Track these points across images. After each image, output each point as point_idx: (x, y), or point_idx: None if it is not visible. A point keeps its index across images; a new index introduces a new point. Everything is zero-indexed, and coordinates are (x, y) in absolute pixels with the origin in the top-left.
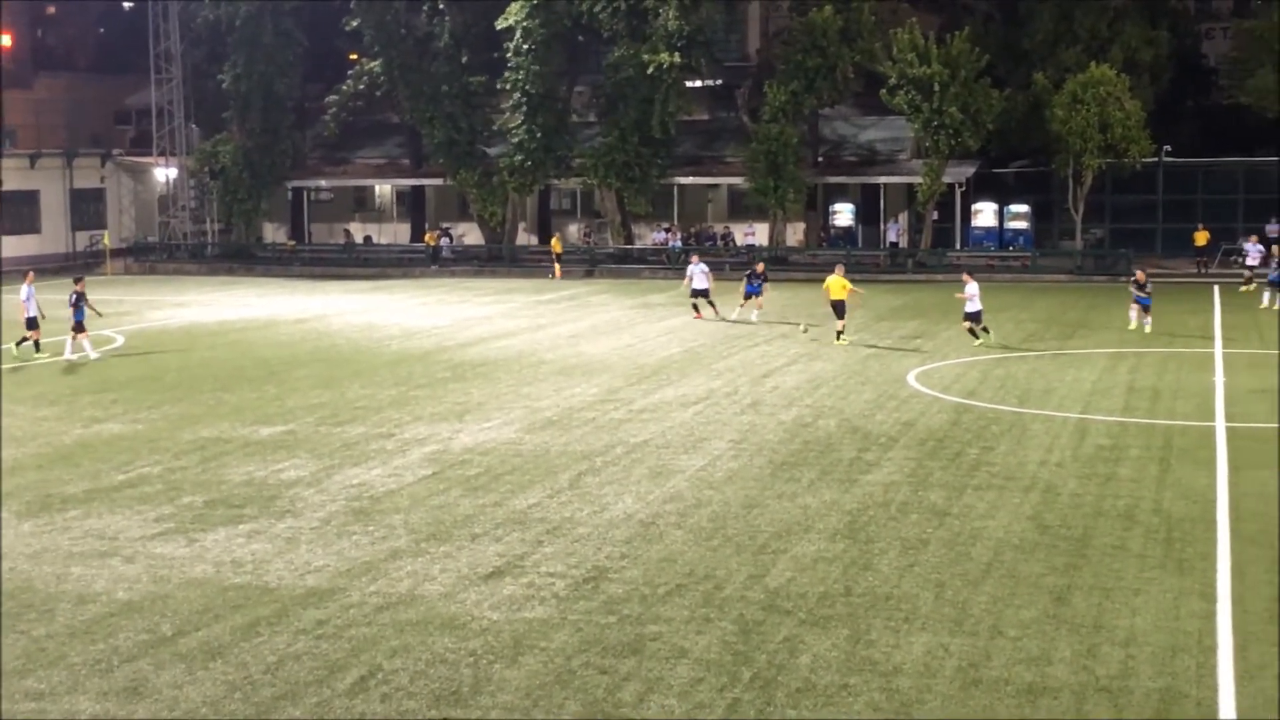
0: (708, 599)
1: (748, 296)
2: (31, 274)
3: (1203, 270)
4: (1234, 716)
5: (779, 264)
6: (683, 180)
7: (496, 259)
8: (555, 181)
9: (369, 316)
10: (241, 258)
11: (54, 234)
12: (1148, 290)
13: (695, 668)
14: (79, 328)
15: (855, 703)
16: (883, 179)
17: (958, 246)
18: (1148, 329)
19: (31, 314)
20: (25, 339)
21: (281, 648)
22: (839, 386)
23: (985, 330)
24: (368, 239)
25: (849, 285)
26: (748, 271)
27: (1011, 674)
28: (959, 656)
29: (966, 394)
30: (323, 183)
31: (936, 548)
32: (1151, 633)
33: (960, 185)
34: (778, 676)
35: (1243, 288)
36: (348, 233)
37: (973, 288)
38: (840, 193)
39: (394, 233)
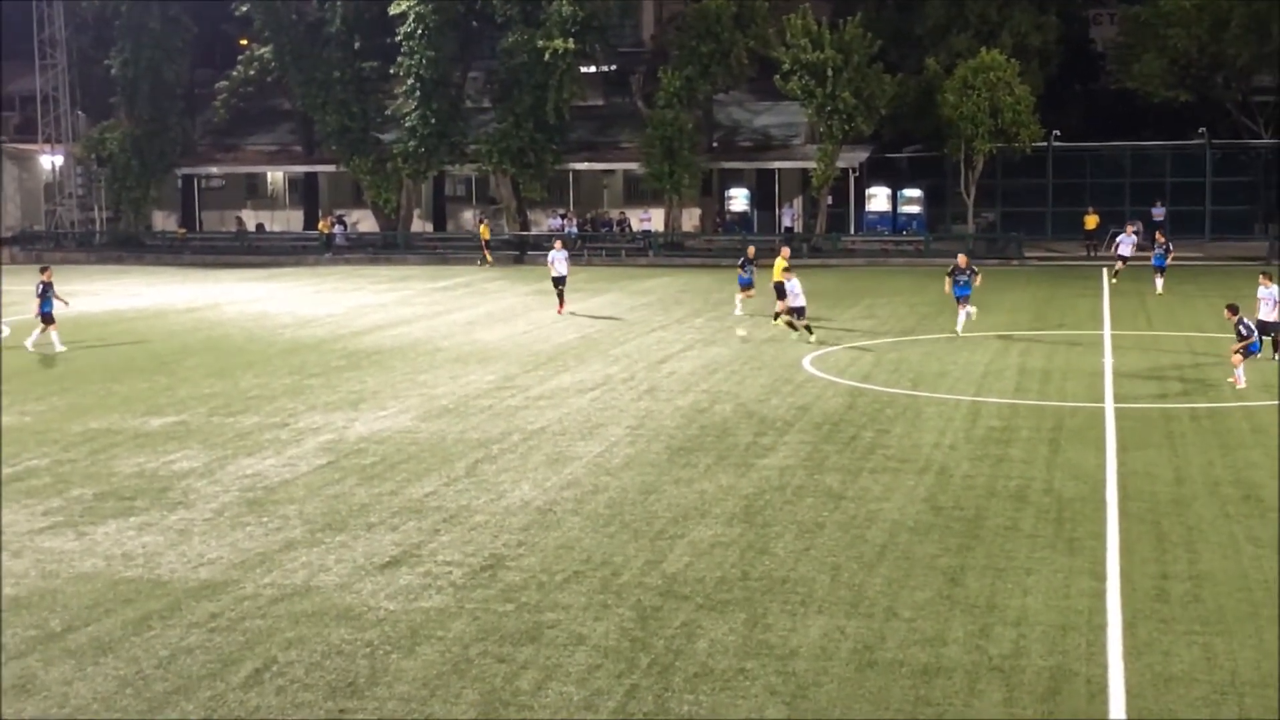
0: (605, 585)
1: (744, 288)
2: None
3: (1092, 254)
4: (1122, 693)
5: (675, 250)
6: (578, 166)
7: (391, 246)
8: (450, 168)
9: (262, 305)
10: (131, 246)
11: None
12: (967, 277)
13: (593, 654)
14: (47, 318)
15: (752, 686)
16: (777, 164)
17: (852, 231)
18: (965, 319)
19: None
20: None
21: (174, 641)
22: (735, 372)
23: (809, 329)
24: (260, 227)
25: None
26: (741, 260)
27: (907, 655)
28: (855, 639)
29: (861, 377)
30: (213, 170)
31: (832, 531)
32: (1043, 612)
33: (854, 170)
34: (675, 662)
35: (1113, 278)
36: (239, 220)
37: (795, 285)
38: (735, 178)
39: (287, 220)
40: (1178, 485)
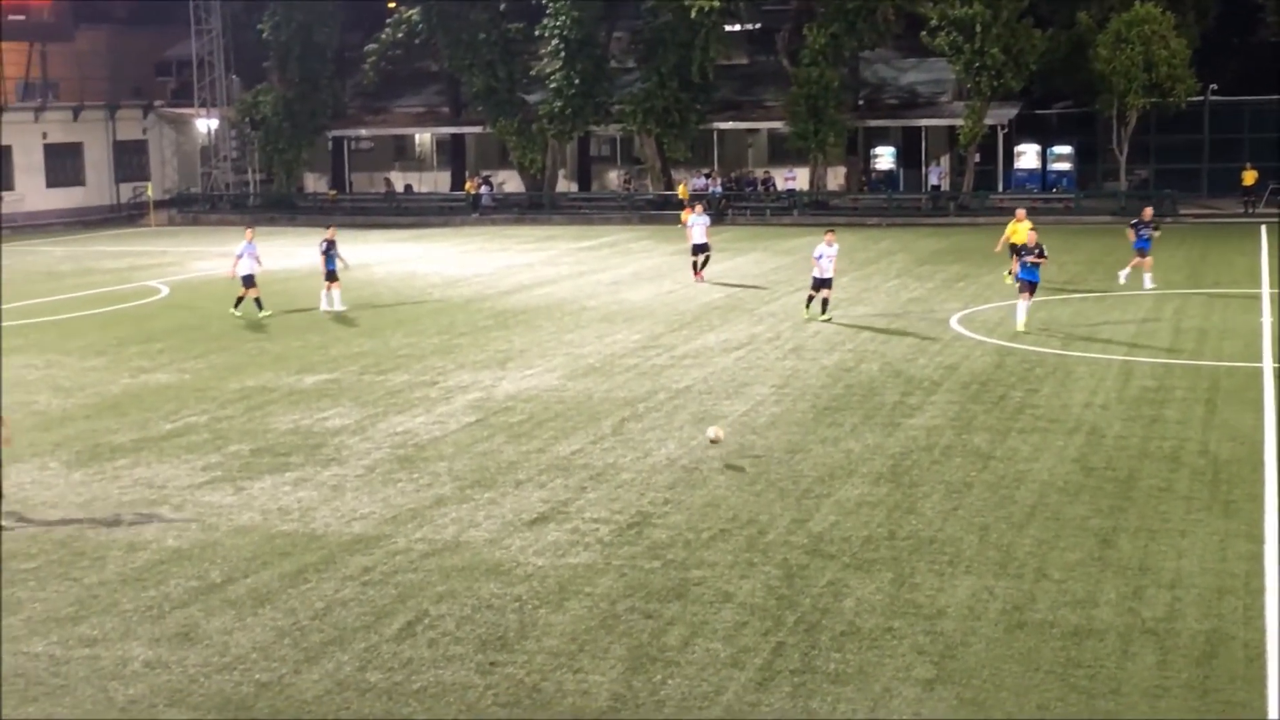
0: (751, 543)
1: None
2: (251, 231)
3: (1250, 210)
4: None
5: (819, 209)
6: (722, 125)
7: (537, 206)
8: (594, 128)
9: (410, 265)
10: (283, 208)
11: (98, 186)
12: (1150, 231)
13: (740, 612)
14: (330, 277)
15: (900, 645)
16: (924, 122)
17: (1000, 189)
18: (1127, 278)
19: (247, 271)
20: (242, 298)
21: (329, 594)
22: (881, 331)
23: (825, 306)
24: (408, 188)
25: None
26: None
27: (1057, 617)
28: (1004, 599)
29: (1010, 337)
30: (363, 132)
31: (981, 491)
32: (1198, 575)
33: (1002, 127)
34: (822, 620)
35: None
36: (388, 181)
37: (825, 249)
38: (881, 136)
39: (434, 181)
40: None
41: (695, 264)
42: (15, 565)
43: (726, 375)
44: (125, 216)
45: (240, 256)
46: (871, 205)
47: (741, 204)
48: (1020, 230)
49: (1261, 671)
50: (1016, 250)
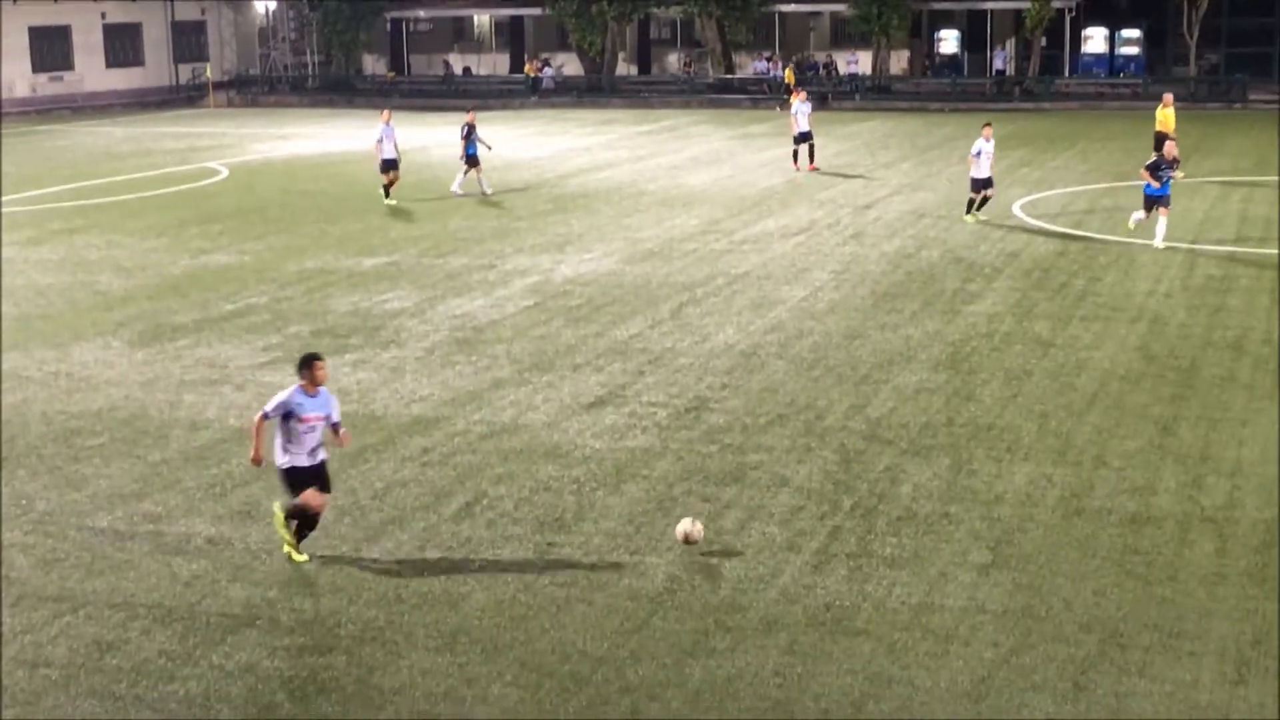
0: (809, 429)
1: (1156, 201)
2: (389, 113)
3: None
4: None
5: (882, 93)
6: (784, 8)
7: (596, 90)
8: (655, 10)
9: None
10: (342, 90)
11: (156, 67)
12: (1169, 173)
13: (796, 496)
14: (471, 161)
15: (956, 531)
16: (990, 5)
17: (1066, 74)
18: (1139, 224)
19: (388, 155)
20: (389, 185)
21: (389, 474)
22: (942, 217)
23: (982, 205)
24: (467, 70)
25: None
26: (1152, 161)
27: (1115, 504)
28: (1061, 486)
29: (1073, 224)
30: (421, 13)
31: (1040, 378)
32: (1259, 464)
33: (1070, 10)
34: (879, 505)
35: None
36: (447, 64)
37: (984, 145)
38: (946, 19)
39: (493, 64)
40: None
41: (796, 153)
42: (80, 443)
43: (785, 261)
44: (184, 98)
45: (380, 141)
46: (935, 90)
47: (804, 88)
48: (1169, 117)
49: None
50: (1159, 143)
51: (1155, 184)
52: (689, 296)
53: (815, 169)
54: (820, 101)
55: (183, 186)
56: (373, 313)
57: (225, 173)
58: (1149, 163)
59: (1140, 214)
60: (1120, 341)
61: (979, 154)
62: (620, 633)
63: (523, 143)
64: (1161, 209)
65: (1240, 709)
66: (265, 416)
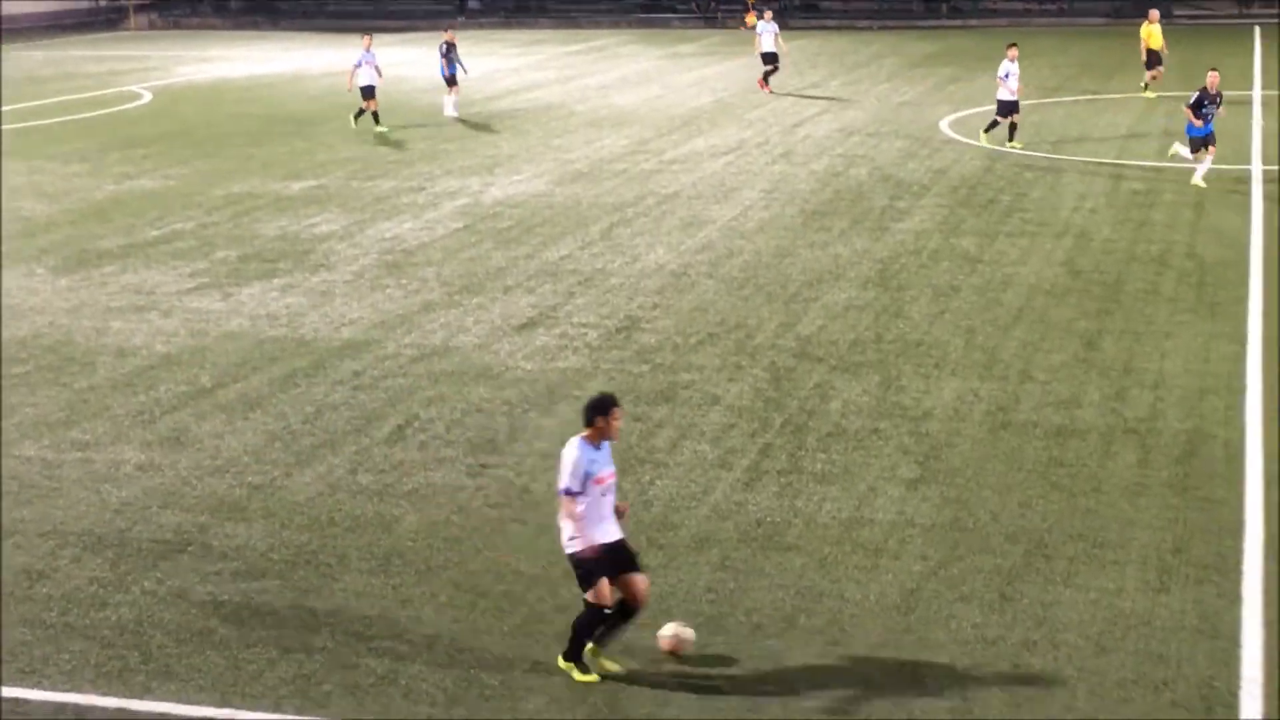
0: (739, 347)
1: (1202, 141)
2: (369, 38)
3: (1243, 10)
4: (1260, 455)
5: (810, 12)
6: None
7: (524, 10)
8: None
9: (397, 70)
10: (266, 12)
11: None
12: (1217, 109)
13: (727, 414)
14: (451, 81)
15: (885, 446)
16: None
17: None
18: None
19: (366, 82)
20: (363, 110)
21: (319, 398)
22: (871, 135)
23: (1013, 131)
24: None
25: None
26: (1195, 98)
27: (1040, 417)
28: (988, 401)
29: (1000, 141)
30: None
31: (968, 294)
32: (1181, 376)
33: None
34: (809, 422)
35: None
36: None
37: (1010, 66)
38: None
39: None
40: None
41: (766, 74)
42: (5, 371)
43: (715, 180)
44: (104, 21)
45: (358, 66)
46: (862, 8)
47: (731, 7)
48: (1155, 34)
49: (1239, 469)
50: (1150, 61)
51: (1198, 123)
52: (619, 217)
53: (767, 89)
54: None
55: (105, 111)
56: (301, 237)
57: (148, 97)
58: (1191, 100)
59: (1185, 151)
60: (1046, 257)
61: (1006, 76)
62: (554, 552)
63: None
64: (1209, 148)
65: (1162, 615)
66: (571, 493)
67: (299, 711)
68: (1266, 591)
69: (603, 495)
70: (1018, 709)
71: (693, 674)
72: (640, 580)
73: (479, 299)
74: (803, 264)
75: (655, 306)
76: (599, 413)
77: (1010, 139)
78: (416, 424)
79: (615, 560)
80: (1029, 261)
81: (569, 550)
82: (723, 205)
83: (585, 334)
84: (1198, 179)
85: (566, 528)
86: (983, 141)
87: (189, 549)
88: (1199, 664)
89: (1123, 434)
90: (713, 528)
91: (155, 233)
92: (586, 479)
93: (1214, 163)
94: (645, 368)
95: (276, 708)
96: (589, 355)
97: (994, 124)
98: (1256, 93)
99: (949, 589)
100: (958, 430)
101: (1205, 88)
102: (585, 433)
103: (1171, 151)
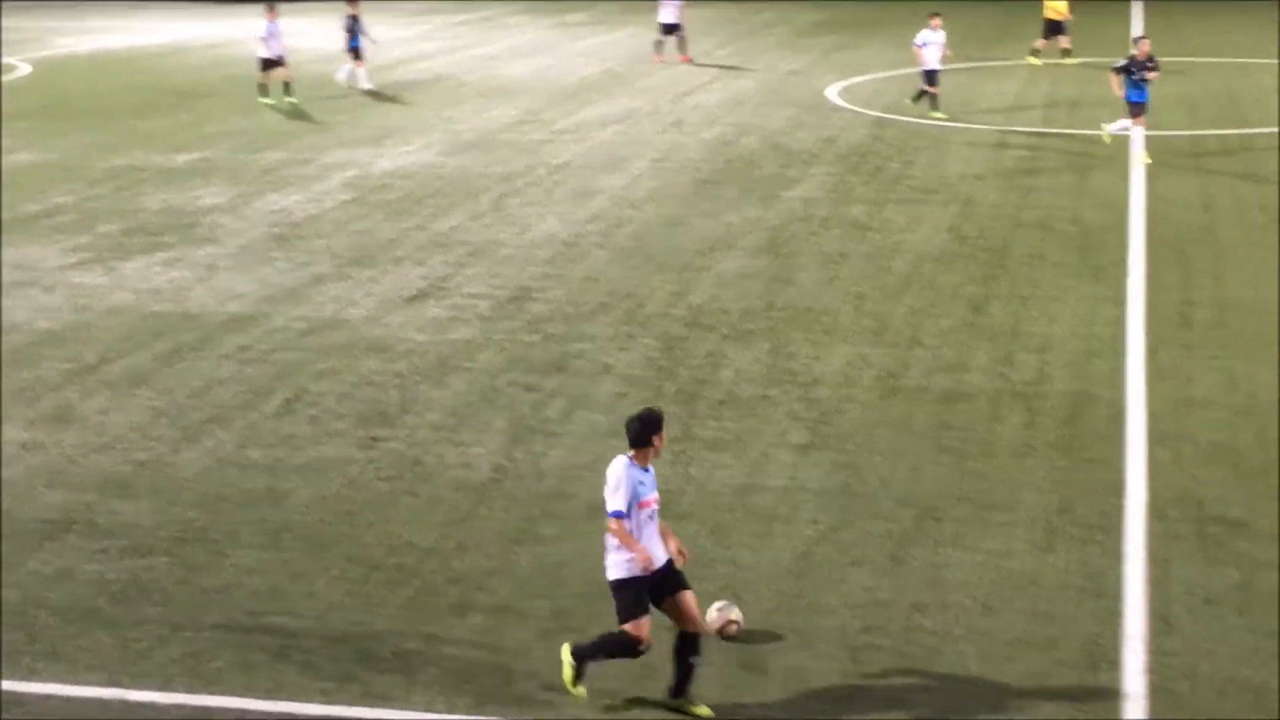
0: (631, 316)
1: (1136, 109)
2: (275, 9)
3: None
4: (1143, 416)
5: None
6: None
7: None
8: None
9: (288, 42)
10: None
11: None
12: (1148, 74)
13: (619, 383)
14: (354, 53)
15: (776, 412)
16: None
17: None
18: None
19: (270, 54)
20: (264, 84)
21: (206, 373)
22: (761, 104)
23: (935, 101)
24: None
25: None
26: (1122, 63)
27: (929, 382)
28: (878, 366)
29: (888, 109)
30: None
31: (857, 261)
32: (1067, 339)
33: None
34: (700, 390)
35: None
36: None
37: (930, 35)
38: None
39: None
40: (1205, 212)
41: (660, 43)
42: None
43: (605, 150)
44: None
45: (264, 39)
46: None
47: None
48: (1058, 5)
49: (1121, 429)
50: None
51: (1119, 92)
52: (509, 187)
53: (687, 60)
54: None
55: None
56: (186, 210)
57: (27, 68)
58: (1118, 64)
59: (1125, 122)
60: (934, 223)
61: (924, 45)
62: (447, 524)
63: (338, 35)
64: (1138, 118)
65: (1048, 575)
66: (621, 516)
67: (189, 690)
68: (1149, 549)
69: (649, 520)
70: (908, 670)
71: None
72: (689, 599)
73: (369, 271)
74: (693, 233)
75: (546, 277)
76: (654, 431)
77: (917, 99)
78: (306, 398)
79: (663, 585)
80: (917, 228)
81: (613, 576)
82: (613, 175)
83: (476, 305)
84: (1138, 154)
85: (614, 553)
86: (913, 109)
87: (75, 528)
88: (1084, 622)
89: (1010, 397)
90: None
91: (36, 207)
92: (633, 502)
93: (1092, 128)
94: (537, 338)
95: (166, 686)
96: (480, 326)
97: (922, 93)
98: None
99: (840, 553)
100: (848, 396)
101: (1134, 56)
102: (632, 453)
103: (1106, 135)
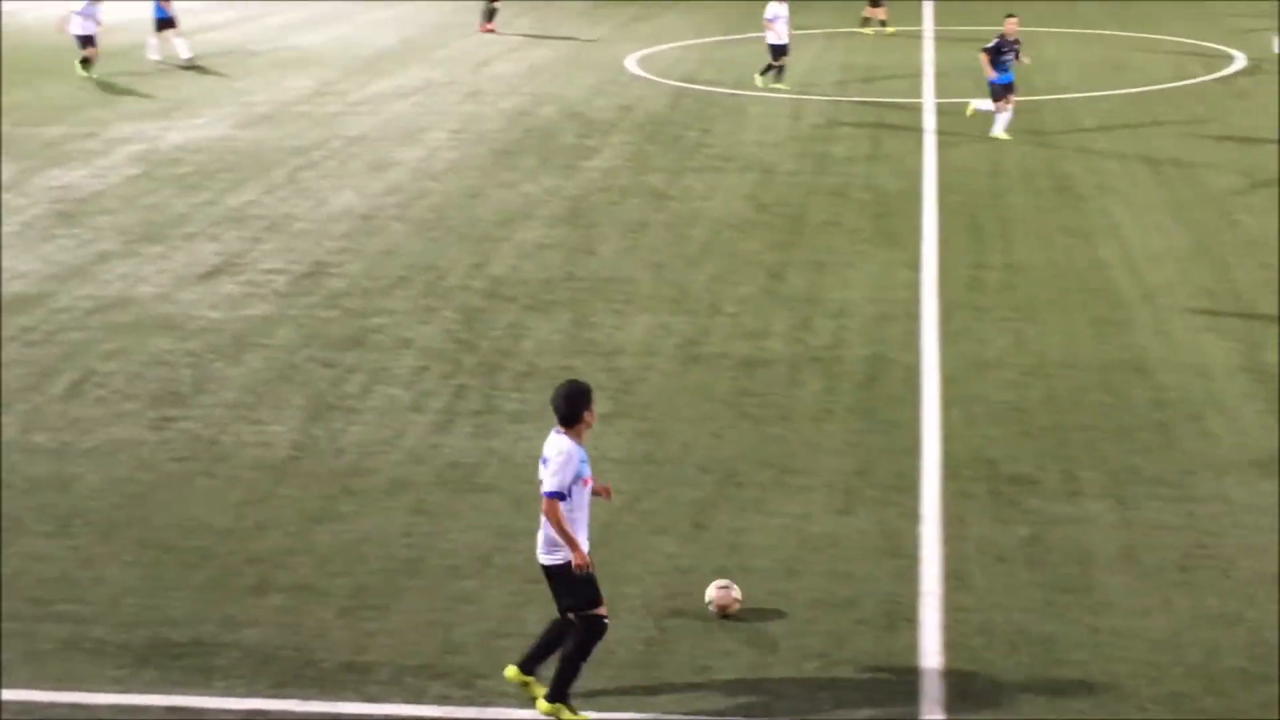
0: (430, 289)
1: (1002, 91)
2: None
3: None
4: (937, 378)
5: None
6: None
7: None
8: None
9: (58, 9)
10: None
11: None
12: (1015, 58)
13: (420, 357)
14: (164, 24)
15: None
16: None
17: None
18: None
19: (81, 31)
20: (87, 59)
21: None
22: (559, 74)
23: (781, 73)
24: None
25: None
26: (992, 44)
27: (729, 349)
28: (679, 334)
29: (685, 77)
30: None
31: (657, 230)
32: (862, 304)
33: None
34: (502, 362)
35: None
36: None
37: (778, 9)
38: None
39: None
40: (994, 178)
41: (490, 11)
42: None
43: (402, 121)
44: None
45: (82, 17)
46: None
47: None
48: None
49: (916, 392)
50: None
51: (991, 73)
52: (304, 160)
53: (491, 30)
54: None
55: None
56: None
57: None
58: (990, 45)
59: (985, 104)
60: (732, 191)
61: (774, 19)
62: (245, 504)
63: (123, 6)
64: (1009, 98)
65: (848, 537)
66: (561, 497)
67: None
68: (944, 508)
69: (591, 497)
70: (710, 636)
71: (390, 619)
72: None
73: (159, 248)
74: (493, 204)
75: (344, 251)
76: (584, 406)
77: (777, 80)
78: (95, 379)
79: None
80: (715, 196)
81: (553, 560)
82: (411, 146)
83: (272, 281)
84: (998, 131)
85: (549, 536)
86: (760, 83)
87: None
88: (882, 581)
89: (808, 362)
90: (407, 472)
91: None
92: (577, 479)
93: (891, 95)
94: (335, 313)
95: None
96: (277, 302)
97: (769, 67)
98: (928, 27)
99: (643, 521)
100: (649, 364)
101: (1004, 34)
102: (564, 430)
103: (970, 110)
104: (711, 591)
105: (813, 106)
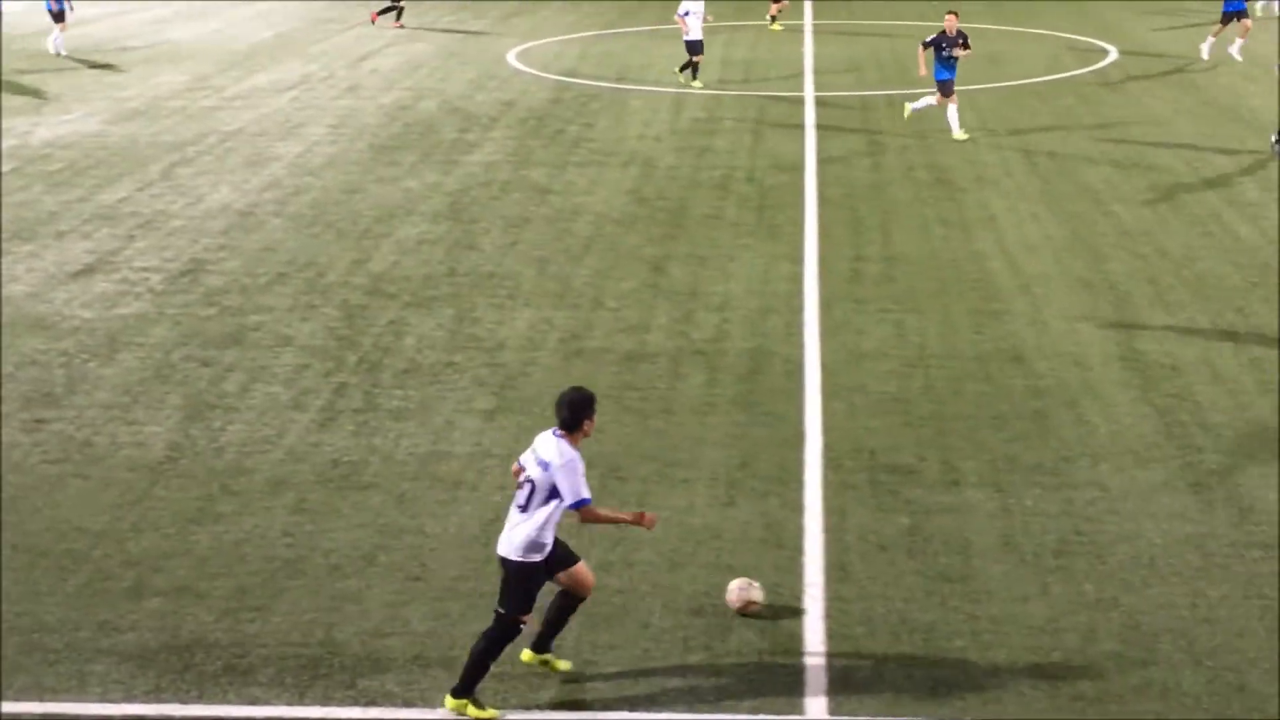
0: (311, 286)
1: (943, 87)
2: None
3: None
4: (818, 370)
5: None
6: None
7: None
8: None
9: None
10: None
11: None
12: (954, 51)
13: (300, 355)
14: (59, 16)
15: (461, 379)
16: None
17: None
18: (956, 116)
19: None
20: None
21: None
22: (438, 68)
23: (695, 70)
24: None
25: None
26: (932, 39)
27: (612, 343)
28: (561, 329)
29: (566, 71)
30: None
31: (539, 225)
32: (744, 297)
33: None
34: (384, 359)
35: None
36: None
37: (692, 5)
38: None
39: None
40: (874, 171)
41: (398, 11)
42: None
43: (280, 116)
44: None
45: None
46: None
47: None
48: None
49: (799, 384)
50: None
51: (924, 71)
52: (180, 156)
53: (375, 19)
54: None
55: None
56: None
57: None
58: (928, 39)
59: (928, 100)
60: (614, 186)
61: (686, 14)
62: (120, 505)
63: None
64: (950, 96)
65: (731, 529)
66: (589, 503)
67: None
68: (825, 499)
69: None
70: (594, 629)
71: (271, 620)
72: (583, 568)
73: (30, 246)
74: (372, 199)
75: (221, 248)
76: (586, 414)
77: (683, 70)
78: None
79: (555, 562)
80: (597, 191)
81: (529, 559)
82: (288, 142)
83: (147, 279)
84: (957, 133)
85: (530, 538)
86: (680, 80)
87: None
88: (766, 572)
89: (691, 355)
90: (288, 471)
91: None
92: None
93: (771, 90)
94: (212, 311)
95: None
96: (152, 300)
97: (687, 64)
98: (808, 20)
99: None
100: (532, 359)
101: (944, 30)
102: (563, 434)
103: (907, 113)
104: (732, 593)
105: (694, 100)
